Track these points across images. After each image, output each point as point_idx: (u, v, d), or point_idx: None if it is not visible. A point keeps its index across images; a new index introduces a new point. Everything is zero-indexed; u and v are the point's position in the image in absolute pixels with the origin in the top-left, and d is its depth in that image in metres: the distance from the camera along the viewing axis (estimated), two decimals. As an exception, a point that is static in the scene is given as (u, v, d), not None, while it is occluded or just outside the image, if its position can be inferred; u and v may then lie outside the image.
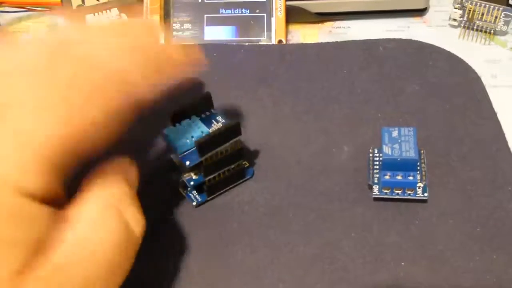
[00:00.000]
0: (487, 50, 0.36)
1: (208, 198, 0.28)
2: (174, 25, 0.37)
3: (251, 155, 0.29)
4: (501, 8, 0.36)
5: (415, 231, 0.26)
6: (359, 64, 0.34)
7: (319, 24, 0.39)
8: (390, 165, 0.26)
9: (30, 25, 0.40)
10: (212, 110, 0.27)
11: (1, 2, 0.40)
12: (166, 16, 0.37)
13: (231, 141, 0.26)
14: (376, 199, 0.27)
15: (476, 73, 0.34)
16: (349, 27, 0.39)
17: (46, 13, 0.41)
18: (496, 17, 0.36)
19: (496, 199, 0.27)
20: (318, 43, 0.37)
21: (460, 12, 0.37)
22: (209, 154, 0.25)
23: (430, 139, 0.30)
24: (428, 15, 0.39)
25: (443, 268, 0.25)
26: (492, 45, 0.37)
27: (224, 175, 0.27)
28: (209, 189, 0.27)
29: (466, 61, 0.34)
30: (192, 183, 0.27)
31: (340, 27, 0.39)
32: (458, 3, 0.37)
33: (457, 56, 0.35)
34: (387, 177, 0.26)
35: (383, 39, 0.36)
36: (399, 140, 0.27)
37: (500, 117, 0.31)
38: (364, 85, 0.33)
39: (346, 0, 0.38)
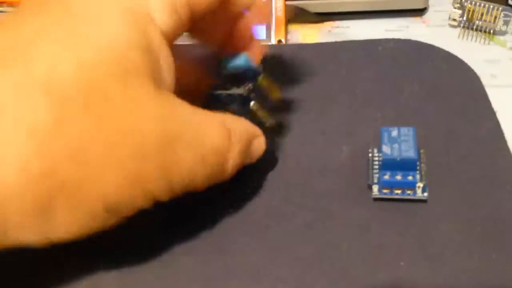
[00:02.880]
0: (486, 50, 0.37)
1: None
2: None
3: None
4: (500, 8, 0.36)
5: (415, 231, 0.26)
6: (358, 64, 0.34)
7: (319, 24, 0.39)
8: (390, 165, 0.26)
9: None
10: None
11: (1, 2, 0.40)
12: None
13: None
14: (375, 199, 0.27)
15: (475, 73, 0.34)
16: (348, 27, 0.39)
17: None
18: (495, 17, 0.36)
19: (496, 199, 0.27)
20: (317, 43, 0.37)
21: (460, 12, 0.37)
22: None
23: (430, 139, 0.30)
24: (427, 15, 0.39)
25: (443, 268, 0.25)
26: (492, 45, 0.37)
27: None
28: None
29: (466, 61, 0.34)
30: None
31: (339, 27, 0.39)
32: (457, 3, 0.37)
33: (456, 56, 0.35)
34: (386, 177, 0.26)
35: (382, 39, 0.36)
36: (399, 140, 0.27)
37: (499, 116, 0.31)
38: (363, 85, 0.33)
39: (346, 0, 0.38)
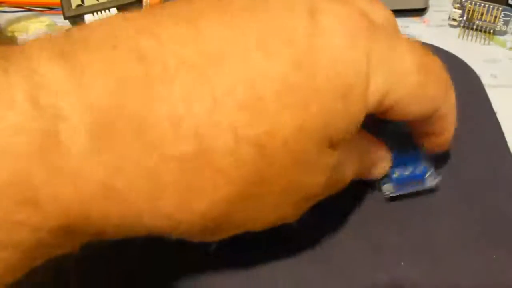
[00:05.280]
0: (486, 50, 0.36)
1: None
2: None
3: None
4: (500, 8, 0.36)
5: (415, 231, 0.26)
6: (358, 64, 0.34)
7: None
8: (395, 162, 0.26)
9: (30, 25, 0.40)
10: None
11: (1, 2, 0.40)
12: (166, 16, 0.37)
13: None
14: (387, 199, 0.27)
15: (475, 73, 0.34)
16: (348, 27, 0.39)
17: (46, 13, 0.41)
18: (495, 17, 0.36)
19: (496, 199, 0.27)
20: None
21: (460, 12, 0.37)
22: None
23: (430, 139, 0.30)
24: (427, 15, 0.39)
25: (443, 268, 0.25)
26: (492, 45, 0.37)
27: None
28: None
29: (466, 61, 0.34)
30: None
31: (339, 27, 0.39)
32: (457, 3, 0.37)
33: (456, 56, 0.35)
34: (396, 174, 0.26)
35: (382, 39, 0.36)
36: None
37: (499, 117, 0.31)
38: (363, 85, 0.33)
39: (346, 0, 0.38)
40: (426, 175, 0.26)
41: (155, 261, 0.26)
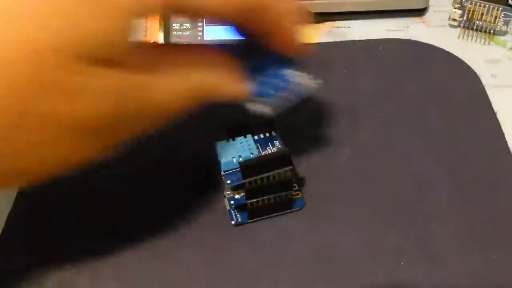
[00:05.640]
0: (486, 50, 0.36)
1: (249, 221, 0.27)
2: (173, 25, 0.37)
3: None
4: (500, 8, 0.36)
5: (415, 231, 0.26)
6: (358, 64, 0.34)
7: (319, 24, 0.39)
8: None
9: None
10: (273, 133, 0.26)
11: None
12: (166, 16, 0.37)
13: (279, 170, 0.25)
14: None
15: (475, 73, 0.34)
16: (349, 27, 0.39)
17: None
18: (495, 17, 0.36)
19: (496, 199, 0.27)
20: (318, 43, 0.37)
21: (460, 12, 0.37)
22: (253, 178, 0.25)
23: (430, 139, 0.30)
24: (427, 15, 0.39)
25: (443, 268, 0.25)
26: (492, 45, 0.37)
27: (269, 201, 0.26)
28: (250, 212, 0.26)
29: (466, 61, 0.34)
30: (232, 202, 0.26)
31: (340, 27, 0.39)
32: (457, 3, 0.37)
33: (456, 56, 0.35)
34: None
35: (382, 39, 0.36)
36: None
37: (499, 117, 0.31)
38: (363, 85, 0.33)
39: (346, 0, 0.38)
40: (295, 77, 0.24)
41: (155, 261, 0.26)
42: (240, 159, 0.24)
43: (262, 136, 0.26)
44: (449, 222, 0.26)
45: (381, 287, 0.24)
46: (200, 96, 0.22)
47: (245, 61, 0.23)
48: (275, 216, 0.27)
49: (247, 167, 0.24)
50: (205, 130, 0.30)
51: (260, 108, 0.24)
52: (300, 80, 0.24)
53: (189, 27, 0.37)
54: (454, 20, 0.38)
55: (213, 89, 0.22)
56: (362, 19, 0.39)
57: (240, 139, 0.25)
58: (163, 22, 0.37)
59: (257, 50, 0.23)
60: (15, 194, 0.28)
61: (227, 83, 0.23)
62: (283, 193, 0.26)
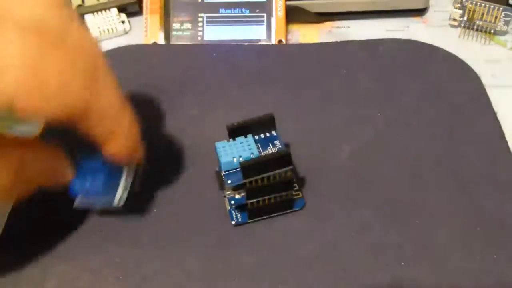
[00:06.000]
0: (487, 50, 0.36)
1: (249, 221, 0.27)
2: (174, 25, 0.37)
3: None
4: (501, 8, 0.36)
5: (415, 231, 0.26)
6: (358, 64, 0.34)
7: (319, 24, 0.39)
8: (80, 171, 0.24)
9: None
10: (273, 132, 0.26)
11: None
12: (166, 15, 0.37)
13: (280, 170, 0.25)
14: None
15: (475, 73, 0.34)
16: (349, 27, 0.39)
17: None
18: (496, 17, 0.36)
19: (496, 199, 0.27)
20: (318, 43, 0.37)
21: (460, 12, 0.37)
22: (254, 178, 0.25)
23: (430, 139, 0.30)
24: (428, 15, 0.39)
25: (443, 268, 0.25)
26: (492, 45, 0.37)
27: (269, 201, 0.26)
28: (251, 212, 0.26)
29: (466, 61, 0.34)
30: (233, 202, 0.26)
31: (340, 27, 0.39)
32: (458, 3, 0.37)
33: (456, 56, 0.35)
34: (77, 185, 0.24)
35: (383, 39, 0.36)
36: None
37: (500, 117, 0.31)
38: (363, 85, 0.33)
39: (346, 0, 0.38)
40: (108, 188, 0.24)
41: (155, 261, 0.26)
42: (241, 159, 0.25)
43: (262, 136, 0.26)
44: (449, 222, 0.26)
45: (381, 287, 0.24)
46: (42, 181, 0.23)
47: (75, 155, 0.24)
48: (275, 216, 0.27)
49: (248, 167, 0.24)
50: (205, 130, 0.31)
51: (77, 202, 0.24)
52: (120, 187, 0.25)
53: (189, 27, 0.37)
54: (455, 20, 0.38)
55: (51, 175, 0.24)
56: (362, 19, 0.39)
57: (240, 139, 0.25)
58: (163, 22, 0.37)
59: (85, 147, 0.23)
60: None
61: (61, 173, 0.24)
62: (284, 193, 0.26)
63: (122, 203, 0.25)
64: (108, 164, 0.23)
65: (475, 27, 0.37)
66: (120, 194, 0.25)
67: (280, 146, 0.26)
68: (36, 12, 0.20)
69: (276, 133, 0.26)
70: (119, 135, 0.22)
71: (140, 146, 0.24)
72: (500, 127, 0.30)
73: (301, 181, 0.28)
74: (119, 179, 0.25)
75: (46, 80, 0.19)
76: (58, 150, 0.24)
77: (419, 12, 0.39)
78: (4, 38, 0.19)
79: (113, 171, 0.24)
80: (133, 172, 0.25)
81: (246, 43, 0.36)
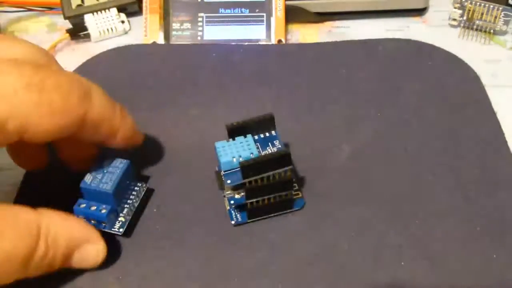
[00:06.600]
0: (486, 50, 0.36)
1: (249, 221, 0.27)
2: (173, 24, 0.37)
3: None
4: (500, 8, 0.36)
5: (415, 231, 0.26)
6: (358, 64, 0.34)
7: (319, 24, 0.39)
8: (88, 194, 0.25)
9: (30, 25, 0.40)
10: (273, 132, 0.26)
11: (1, 2, 0.40)
12: (166, 15, 0.37)
13: (280, 170, 0.25)
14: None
15: (475, 73, 0.34)
16: (348, 27, 0.39)
17: (46, 13, 0.41)
18: (495, 17, 0.36)
19: (496, 199, 0.27)
20: (317, 43, 0.37)
21: (460, 11, 0.37)
22: (253, 178, 0.25)
23: (429, 139, 0.30)
24: (427, 15, 0.39)
25: (443, 268, 0.25)
26: (492, 45, 0.37)
27: (269, 201, 0.26)
28: (250, 212, 0.26)
29: (466, 61, 0.34)
30: (232, 202, 0.26)
31: (339, 26, 0.39)
32: (457, 3, 0.37)
33: (456, 56, 0.35)
34: (82, 206, 0.25)
35: (382, 39, 0.36)
36: (105, 171, 0.25)
37: (499, 117, 0.31)
38: (363, 85, 0.33)
39: (346, 0, 0.38)
40: (111, 217, 0.25)
41: (155, 261, 0.26)
42: (240, 159, 0.24)
43: (262, 136, 0.26)
44: (449, 222, 0.26)
45: (381, 287, 0.24)
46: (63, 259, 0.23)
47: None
48: (275, 216, 0.27)
49: (248, 167, 0.24)
50: (205, 130, 0.31)
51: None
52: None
53: (189, 27, 0.37)
54: (454, 20, 0.38)
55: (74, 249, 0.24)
56: (361, 19, 0.39)
57: (240, 139, 0.25)
58: (163, 22, 0.37)
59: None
60: (15, 194, 0.28)
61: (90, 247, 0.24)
62: (283, 193, 0.26)
63: (122, 230, 0.26)
64: (115, 196, 0.25)
65: (475, 27, 0.37)
66: (123, 223, 0.26)
67: (279, 146, 0.26)
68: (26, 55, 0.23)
69: (275, 133, 0.26)
70: (118, 130, 0.25)
71: (138, 132, 0.27)
72: (499, 127, 0.30)
73: (301, 181, 0.28)
74: (123, 210, 0.26)
75: (50, 96, 0.21)
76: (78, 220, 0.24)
77: (419, 12, 0.39)
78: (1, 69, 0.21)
79: (118, 201, 0.26)
80: (138, 201, 0.27)
81: (246, 43, 0.36)
